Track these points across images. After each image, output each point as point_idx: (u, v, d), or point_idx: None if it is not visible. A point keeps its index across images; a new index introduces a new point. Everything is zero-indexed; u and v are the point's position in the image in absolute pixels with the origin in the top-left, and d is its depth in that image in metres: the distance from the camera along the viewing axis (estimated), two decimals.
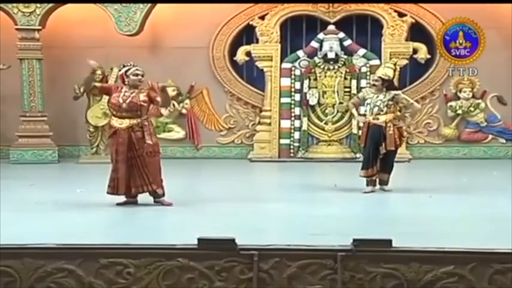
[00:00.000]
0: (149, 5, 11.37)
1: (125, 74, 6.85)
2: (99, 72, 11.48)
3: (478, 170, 10.54)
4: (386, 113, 7.68)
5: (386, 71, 7.85)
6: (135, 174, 6.69)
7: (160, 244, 4.42)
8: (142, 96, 6.77)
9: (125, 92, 6.80)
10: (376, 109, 7.70)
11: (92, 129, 11.54)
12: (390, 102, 7.70)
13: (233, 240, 4.33)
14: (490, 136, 12.08)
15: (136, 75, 6.81)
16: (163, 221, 6.00)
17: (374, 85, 7.84)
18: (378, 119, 7.69)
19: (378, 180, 7.84)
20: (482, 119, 12.02)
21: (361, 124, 8.11)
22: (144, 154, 6.67)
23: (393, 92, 7.75)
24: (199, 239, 4.34)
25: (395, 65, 8.34)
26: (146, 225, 5.83)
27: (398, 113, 7.90)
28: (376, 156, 7.68)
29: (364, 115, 8.08)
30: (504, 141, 12.06)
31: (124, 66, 6.93)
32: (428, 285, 4.23)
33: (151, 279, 4.31)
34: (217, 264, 4.31)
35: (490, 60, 11.62)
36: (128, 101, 6.71)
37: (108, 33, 11.63)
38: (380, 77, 7.75)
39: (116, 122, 6.74)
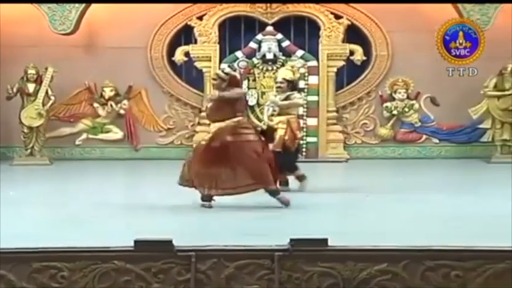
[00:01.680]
0: (84, 4, 11.16)
1: None
2: (33, 72, 11.26)
3: (413, 170, 10.79)
4: (279, 114, 7.79)
5: (287, 73, 8.01)
6: None
7: (95, 246, 4.36)
8: None
9: None
10: (270, 110, 7.84)
11: (26, 130, 11.25)
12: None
13: (170, 241, 4.31)
14: (424, 136, 12.35)
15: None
16: (102, 224, 5.90)
17: (279, 87, 7.92)
18: (272, 120, 7.82)
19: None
20: (417, 120, 12.29)
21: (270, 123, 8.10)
22: None
23: (288, 93, 7.86)
24: (135, 241, 4.30)
25: (292, 67, 8.59)
26: (84, 228, 5.74)
27: (293, 114, 8.00)
28: None
29: None
30: (437, 141, 12.35)
31: None
32: (363, 284, 4.31)
33: (87, 282, 4.24)
34: (154, 266, 4.27)
35: (423, 61, 11.86)
36: None
37: (42, 32, 11.34)
38: (285, 79, 7.87)
39: None
